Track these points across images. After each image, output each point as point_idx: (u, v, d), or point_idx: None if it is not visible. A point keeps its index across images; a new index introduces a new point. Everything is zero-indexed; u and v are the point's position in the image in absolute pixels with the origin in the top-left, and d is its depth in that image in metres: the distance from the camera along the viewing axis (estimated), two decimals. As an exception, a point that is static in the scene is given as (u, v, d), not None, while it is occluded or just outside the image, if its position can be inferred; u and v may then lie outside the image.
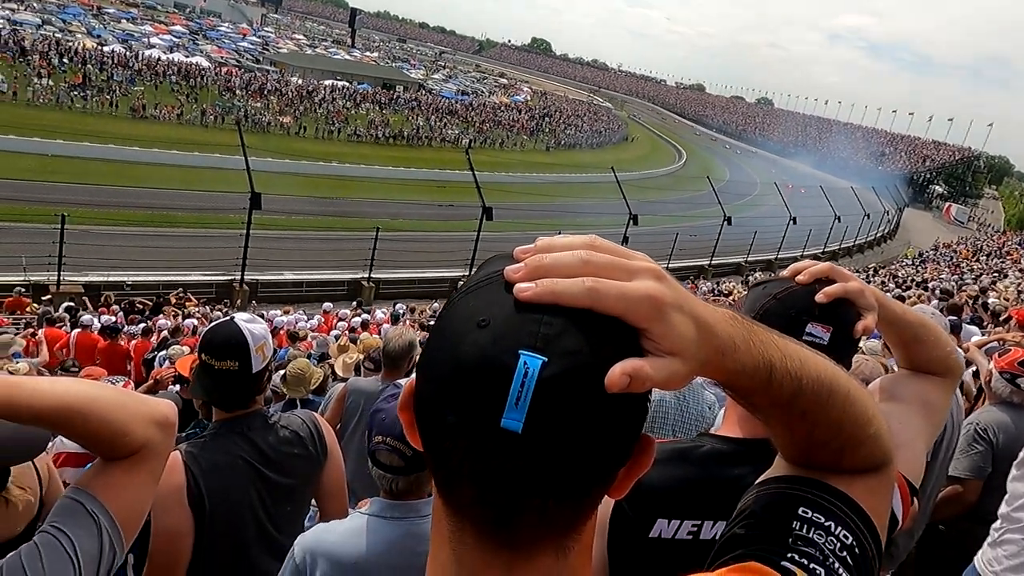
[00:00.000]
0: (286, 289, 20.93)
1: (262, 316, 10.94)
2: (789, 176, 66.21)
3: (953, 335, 5.63)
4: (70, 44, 49.51)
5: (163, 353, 7.97)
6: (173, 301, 16.05)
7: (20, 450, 1.21)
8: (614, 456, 0.56)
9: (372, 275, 22.13)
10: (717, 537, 0.75)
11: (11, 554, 1.02)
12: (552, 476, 0.52)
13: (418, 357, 0.56)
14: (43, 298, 15.14)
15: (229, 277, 19.96)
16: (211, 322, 2.36)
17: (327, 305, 17.21)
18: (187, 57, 56.15)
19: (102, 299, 14.98)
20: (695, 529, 1.26)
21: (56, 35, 52.41)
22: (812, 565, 0.65)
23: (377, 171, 38.96)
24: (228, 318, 2.22)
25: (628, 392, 0.51)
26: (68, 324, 11.06)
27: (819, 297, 1.15)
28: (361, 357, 5.63)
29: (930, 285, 17.21)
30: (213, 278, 20.03)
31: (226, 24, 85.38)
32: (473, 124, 62.46)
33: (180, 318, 12.80)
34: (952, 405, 3.28)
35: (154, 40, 60.74)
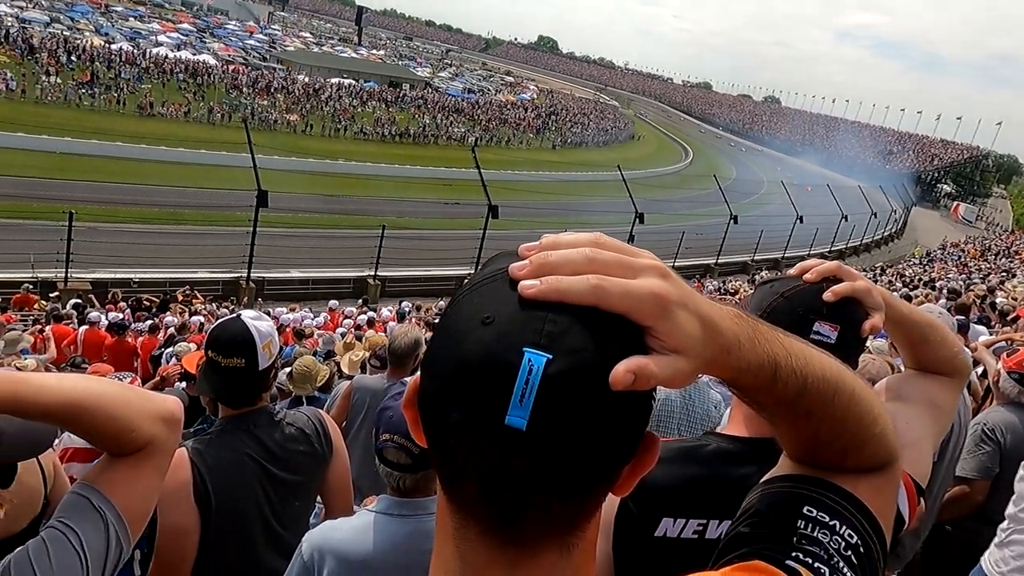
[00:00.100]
0: (292, 287, 20.97)
1: (268, 313, 10.97)
2: (795, 174, 66.05)
3: (961, 335, 5.61)
4: (78, 42, 49.68)
5: (170, 350, 8.00)
6: (180, 298, 16.13)
7: (27, 446, 1.21)
8: (618, 454, 0.56)
9: (378, 273, 22.16)
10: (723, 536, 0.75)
11: (18, 549, 1.02)
12: (556, 473, 0.52)
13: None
14: (51, 295, 15.22)
15: (236, 274, 20.01)
16: (218, 319, 2.36)
17: (333, 303, 17.23)
18: (194, 55, 56.31)
19: (109, 296, 15.05)
20: (701, 528, 1.26)
21: (64, 33, 52.59)
22: (817, 564, 0.65)
23: (383, 169, 39.00)
24: (235, 315, 2.23)
25: (632, 390, 0.51)
26: (75, 321, 11.12)
27: (827, 295, 1.15)
28: (367, 355, 5.64)
29: (937, 284, 17.15)
30: (220, 275, 20.09)
31: (233, 22, 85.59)
32: (479, 122, 62.46)
33: (187, 315, 12.85)
34: (959, 405, 3.27)
35: (161, 38, 60.91)
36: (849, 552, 0.68)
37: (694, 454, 1.33)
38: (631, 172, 38.10)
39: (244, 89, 50.67)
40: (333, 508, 2.42)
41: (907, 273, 26.41)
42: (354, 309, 16.47)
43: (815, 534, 0.68)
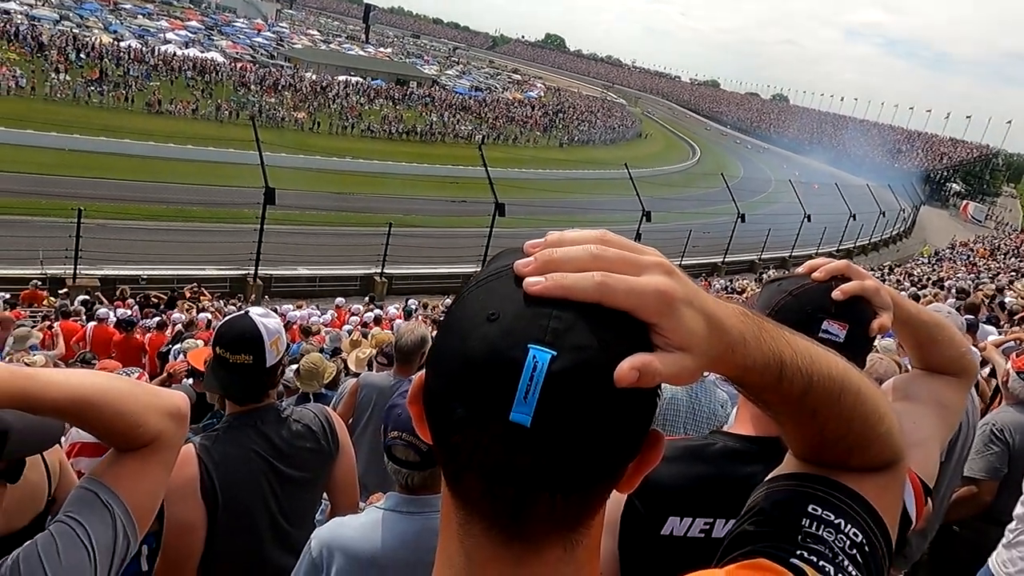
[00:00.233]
0: (299, 284, 21.03)
1: (275, 311, 11.00)
2: (803, 173, 65.77)
3: (969, 334, 5.58)
4: (87, 39, 49.88)
5: (177, 346, 8.03)
6: (188, 295, 16.18)
7: (36, 441, 1.22)
8: (623, 451, 0.56)
9: (385, 270, 22.19)
10: None
11: (27, 543, 1.03)
12: (560, 470, 0.52)
13: (429, 351, 0.57)
14: (60, 291, 15.29)
15: (243, 272, 20.07)
16: (225, 316, 2.37)
17: (339, 300, 17.27)
18: (202, 52, 56.46)
19: (117, 293, 15.12)
20: (707, 527, 1.25)
21: (73, 30, 52.82)
22: (822, 563, 0.65)
23: (390, 167, 39.04)
24: (243, 312, 2.24)
25: (637, 387, 0.51)
26: (84, 317, 11.17)
27: (836, 294, 1.15)
28: (373, 352, 5.65)
29: (946, 284, 17.06)
30: (227, 272, 20.16)
31: (241, 20, 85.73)
32: (486, 120, 62.44)
33: (194, 312, 12.90)
34: (968, 405, 3.26)
35: (170, 36, 61.05)
36: (854, 551, 0.67)
37: (700, 453, 1.33)
38: (638, 170, 38.01)
39: (252, 87, 50.79)
40: (339, 505, 2.43)
41: (915, 272, 26.29)
42: (360, 307, 16.50)
43: (820, 533, 0.68)
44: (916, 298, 11.23)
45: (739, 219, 31.60)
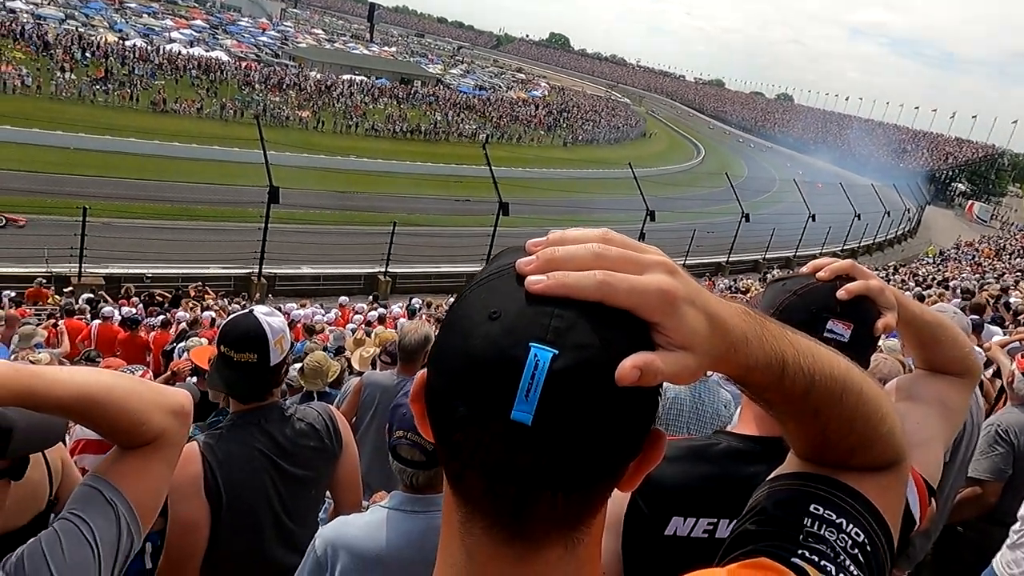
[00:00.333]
0: (303, 283, 21.06)
1: (279, 309, 11.01)
2: (808, 172, 65.71)
3: (974, 335, 5.57)
4: (92, 38, 50.03)
5: (182, 345, 8.04)
6: (192, 294, 16.22)
7: (39, 439, 1.22)
8: (624, 450, 0.56)
9: (389, 269, 22.21)
10: None
11: (31, 540, 1.03)
12: (562, 469, 0.52)
13: (432, 350, 0.57)
14: (65, 290, 15.34)
15: (247, 270, 20.11)
16: (229, 315, 2.38)
17: (343, 299, 17.29)
18: (207, 51, 56.59)
19: (122, 291, 15.15)
20: (711, 527, 1.25)
21: (79, 29, 52.97)
22: (823, 562, 0.65)
23: (394, 166, 39.07)
24: (248, 311, 2.24)
25: (639, 386, 0.51)
26: (88, 316, 11.20)
27: (840, 293, 1.14)
28: (377, 351, 5.65)
29: (951, 284, 17.01)
30: (231, 271, 20.20)
31: (246, 19, 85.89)
32: (490, 119, 62.44)
33: (199, 310, 12.92)
34: (972, 405, 3.25)
35: (175, 34, 61.20)
36: (856, 550, 0.67)
37: (704, 453, 1.32)
38: (642, 170, 37.97)
39: (256, 85, 50.88)
40: (342, 503, 2.43)
41: (920, 272, 26.21)
42: (364, 305, 16.52)
43: (822, 532, 0.68)
44: (921, 298, 11.20)
45: (743, 219, 31.56)
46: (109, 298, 14.25)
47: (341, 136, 46.16)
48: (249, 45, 67.48)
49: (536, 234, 0.59)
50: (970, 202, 72.19)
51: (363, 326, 12.41)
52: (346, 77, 60.05)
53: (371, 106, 55.18)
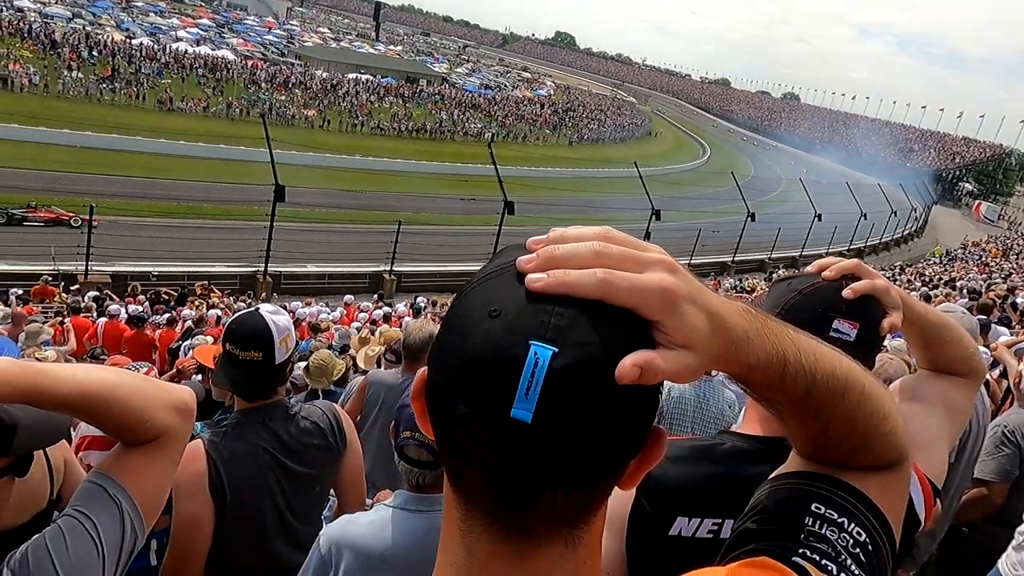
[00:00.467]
0: (309, 281, 21.09)
1: (284, 308, 11.04)
2: (814, 171, 65.51)
3: (981, 335, 5.54)
4: (99, 37, 50.21)
5: (187, 343, 8.07)
6: (198, 292, 16.25)
7: (43, 436, 1.23)
8: (624, 448, 0.56)
9: (394, 268, 22.24)
10: None
11: (35, 536, 1.04)
12: (562, 467, 0.52)
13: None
14: (71, 288, 15.40)
15: (253, 269, 20.16)
16: (235, 313, 2.38)
17: (348, 297, 17.31)
18: (214, 50, 56.74)
19: (128, 289, 15.20)
20: (716, 528, 1.24)
21: (86, 28, 53.16)
22: (824, 561, 0.65)
23: (400, 165, 39.12)
24: (253, 309, 2.24)
25: (639, 384, 0.50)
26: (95, 313, 11.24)
27: (846, 292, 1.14)
28: (382, 349, 5.65)
29: (958, 284, 16.95)
30: (237, 269, 20.26)
31: (252, 17, 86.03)
32: (496, 118, 62.45)
33: (204, 308, 12.95)
34: (978, 406, 3.24)
35: (181, 33, 61.38)
36: (857, 550, 0.67)
37: (709, 453, 1.32)
38: (648, 169, 37.97)
39: (262, 84, 51.01)
40: (346, 502, 2.43)
41: (927, 272, 26.14)
42: (370, 304, 16.54)
43: (823, 531, 0.68)
44: (927, 298, 11.16)
45: (749, 218, 31.50)
46: (115, 296, 14.29)
47: (347, 135, 46.25)
48: (255, 44, 67.61)
49: (541, 233, 0.59)
50: (977, 202, 71.92)
51: (368, 325, 12.42)
52: (352, 76, 60.14)
53: (377, 105, 55.25)
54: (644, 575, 1.29)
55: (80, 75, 41.53)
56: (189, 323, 10.57)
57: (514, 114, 65.86)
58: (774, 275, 25.62)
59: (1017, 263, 30.70)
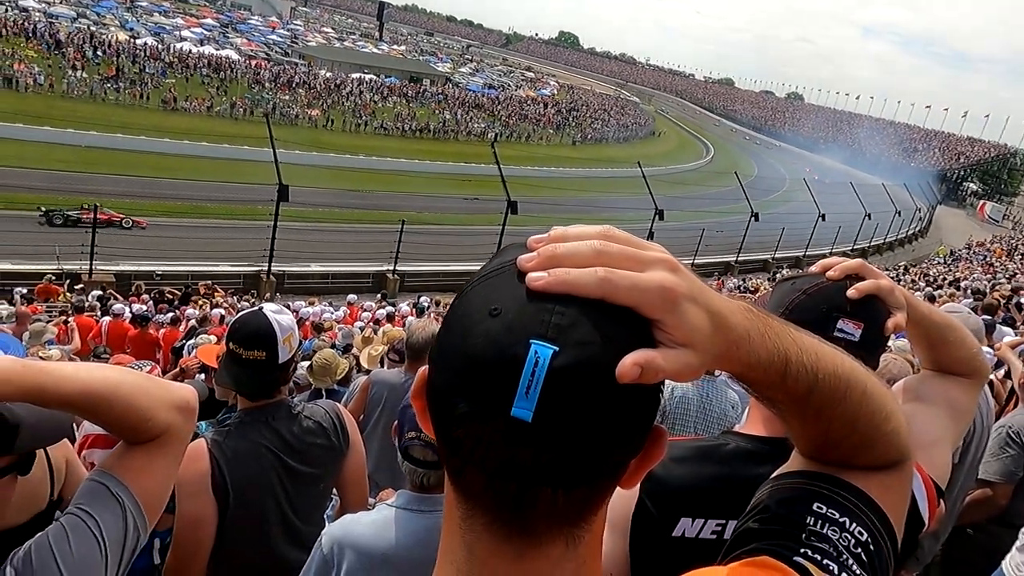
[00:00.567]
0: (312, 281, 21.12)
1: (288, 307, 11.04)
2: (818, 171, 65.40)
3: (986, 335, 5.52)
4: (104, 37, 50.34)
5: (191, 342, 8.08)
6: (202, 291, 16.28)
7: (46, 434, 1.23)
8: (625, 447, 0.56)
9: (397, 268, 22.25)
10: None
11: (38, 535, 1.04)
12: (562, 466, 0.52)
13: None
14: (76, 287, 15.44)
15: (256, 268, 20.19)
16: (239, 312, 2.39)
17: (352, 297, 17.33)
18: (217, 50, 56.85)
19: (132, 288, 15.24)
20: (719, 529, 1.24)
21: (90, 28, 53.28)
22: (825, 561, 0.65)
23: (404, 164, 39.15)
24: (257, 309, 2.24)
25: (640, 383, 0.50)
26: (99, 312, 11.27)
27: (851, 292, 1.14)
28: (385, 349, 5.66)
29: (962, 284, 16.90)
30: (241, 269, 20.29)
31: (256, 17, 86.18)
32: (499, 118, 62.45)
33: (208, 308, 12.97)
34: (982, 406, 3.23)
35: (185, 33, 61.50)
36: (859, 549, 0.67)
37: (713, 453, 1.31)
38: (651, 169, 37.92)
39: (266, 84, 51.07)
40: (349, 501, 2.43)
41: (931, 272, 26.07)
42: (373, 303, 16.55)
43: (825, 531, 0.68)
44: (931, 298, 11.13)
45: (753, 218, 31.45)
46: (119, 295, 14.33)
47: (350, 135, 46.29)
48: (259, 44, 67.76)
49: (544, 233, 0.59)
50: (982, 202, 71.67)
51: (371, 324, 12.43)
52: (355, 76, 60.18)
53: (380, 105, 55.29)
54: (647, 576, 1.28)
55: (84, 75, 41.62)
56: (193, 322, 10.60)
57: (518, 114, 65.86)
58: (778, 275, 25.59)
59: (1022, 263, 30.60)
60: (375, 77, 62.62)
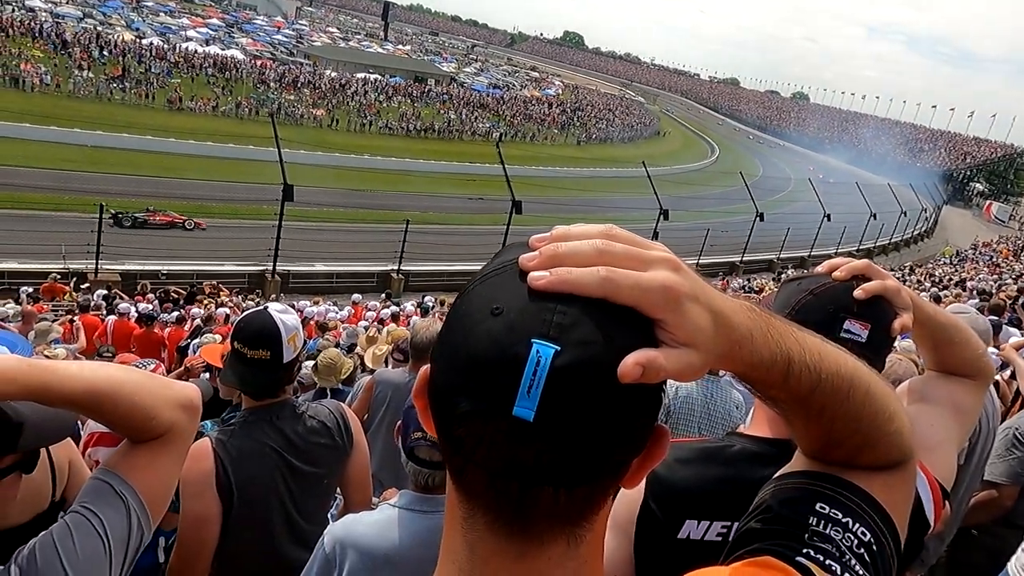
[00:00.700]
0: (317, 280, 21.14)
1: (292, 306, 11.06)
2: (823, 171, 65.25)
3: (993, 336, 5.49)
4: (110, 37, 50.49)
5: (196, 341, 8.10)
6: (207, 291, 16.32)
7: (49, 433, 1.23)
8: (627, 446, 0.56)
9: (401, 267, 22.26)
10: None
11: (42, 533, 1.04)
12: (564, 465, 0.52)
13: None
14: (82, 286, 15.48)
15: (261, 268, 20.22)
16: (244, 311, 2.39)
17: (356, 296, 17.34)
18: (223, 50, 56.92)
19: (138, 288, 15.27)
20: (725, 531, 1.23)
21: (96, 28, 53.45)
22: (828, 561, 0.65)
23: (408, 164, 39.18)
24: (262, 308, 2.25)
25: (642, 383, 0.50)
26: (104, 312, 11.30)
27: (858, 293, 1.13)
28: (389, 348, 5.66)
29: (968, 285, 16.85)
30: (246, 268, 20.32)
31: (261, 17, 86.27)
32: (504, 118, 62.45)
33: (213, 307, 13.00)
34: (988, 406, 3.22)
35: (191, 33, 61.61)
36: (862, 550, 0.67)
37: (718, 455, 1.31)
38: (656, 169, 37.86)
39: (271, 84, 51.16)
40: (352, 501, 2.44)
41: (937, 273, 25.99)
42: (377, 303, 16.56)
43: (827, 531, 0.67)
44: (937, 299, 11.10)
45: (757, 218, 31.39)
46: (125, 295, 14.37)
47: (355, 134, 46.33)
48: (264, 43, 67.81)
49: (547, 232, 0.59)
50: (988, 202, 71.42)
51: (375, 324, 12.44)
52: (360, 75, 60.23)
53: (385, 104, 55.35)
54: (653, 579, 1.28)
55: (91, 75, 41.76)
56: (198, 321, 10.62)
57: (522, 114, 65.85)
58: (783, 275, 25.54)
59: (1028, 264, 30.47)
60: (380, 77, 62.66)
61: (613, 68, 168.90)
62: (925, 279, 23.09)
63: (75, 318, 10.49)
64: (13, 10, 50.82)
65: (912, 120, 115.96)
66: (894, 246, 42.80)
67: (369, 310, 15.51)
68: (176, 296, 14.85)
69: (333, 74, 58.47)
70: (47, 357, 4.79)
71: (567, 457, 0.52)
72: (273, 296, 18.25)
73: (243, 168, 30.13)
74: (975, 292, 12.83)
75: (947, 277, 22.82)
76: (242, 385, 2.26)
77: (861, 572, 0.65)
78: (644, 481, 1.20)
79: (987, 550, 3.37)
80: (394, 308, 15.48)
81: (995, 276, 21.98)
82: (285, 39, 74.25)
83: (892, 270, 23.32)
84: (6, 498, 1.25)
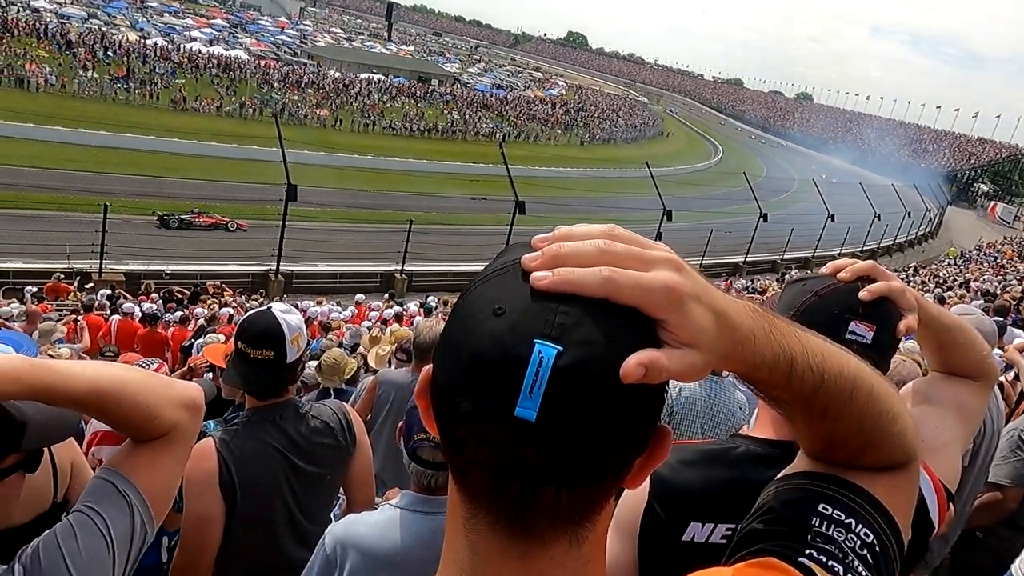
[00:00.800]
0: (320, 280, 21.14)
1: (296, 306, 11.09)
2: (827, 172, 65.12)
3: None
4: (114, 37, 50.63)
5: (200, 341, 8.11)
6: (211, 291, 16.34)
7: (52, 432, 1.24)
8: (629, 447, 0.56)
9: (405, 267, 22.27)
10: None
11: (46, 532, 1.04)
12: (566, 466, 0.52)
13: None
14: (86, 286, 15.51)
15: (265, 268, 20.24)
16: (247, 311, 2.39)
17: (360, 296, 17.35)
18: (227, 50, 57.05)
19: (142, 287, 15.30)
20: (729, 533, 1.22)
21: (101, 28, 53.59)
22: (831, 562, 0.64)
23: (412, 164, 39.21)
24: (266, 308, 2.25)
25: (644, 383, 0.50)
26: (108, 311, 11.32)
27: (863, 294, 1.13)
28: (392, 348, 5.66)
29: (972, 286, 16.80)
30: (249, 268, 20.34)
31: (265, 17, 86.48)
32: (508, 118, 62.47)
33: (217, 307, 13.02)
34: (992, 408, 3.21)
35: (195, 33, 61.75)
36: (865, 551, 0.67)
37: (722, 457, 1.31)
38: (660, 169, 37.87)
39: (275, 84, 51.24)
40: (355, 501, 2.44)
41: (941, 274, 25.93)
42: (381, 303, 16.56)
43: (830, 532, 0.67)
44: (942, 300, 11.07)
45: (761, 219, 31.35)
46: (128, 294, 14.39)
47: (359, 135, 46.39)
48: (268, 44, 67.92)
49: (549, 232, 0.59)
50: (993, 203, 71.19)
51: (379, 324, 12.44)
52: (364, 76, 60.31)
53: (389, 105, 55.41)
54: (656, 582, 1.27)
55: (95, 75, 41.88)
56: (202, 321, 10.64)
57: (526, 114, 65.86)
58: (786, 276, 25.51)
59: (1033, 265, 30.38)
60: (384, 77, 62.73)
61: (617, 68, 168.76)
62: (929, 280, 23.04)
63: (79, 318, 10.50)
64: (18, 10, 50.98)
65: (916, 120, 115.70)
66: (898, 247, 42.70)
67: (372, 310, 15.50)
68: (180, 296, 14.87)
69: (337, 74, 58.54)
70: (51, 356, 4.80)
71: (569, 457, 0.52)
72: (277, 296, 18.27)
73: (247, 168, 30.17)
74: (979, 293, 12.79)
75: (951, 278, 22.76)
76: (245, 385, 2.27)
77: (864, 573, 0.65)
78: (648, 483, 1.20)
79: (991, 552, 3.36)
80: (397, 308, 15.46)
81: (999, 277, 21.92)
82: (289, 39, 74.35)
83: (896, 271, 23.21)
84: (9, 497, 1.25)
